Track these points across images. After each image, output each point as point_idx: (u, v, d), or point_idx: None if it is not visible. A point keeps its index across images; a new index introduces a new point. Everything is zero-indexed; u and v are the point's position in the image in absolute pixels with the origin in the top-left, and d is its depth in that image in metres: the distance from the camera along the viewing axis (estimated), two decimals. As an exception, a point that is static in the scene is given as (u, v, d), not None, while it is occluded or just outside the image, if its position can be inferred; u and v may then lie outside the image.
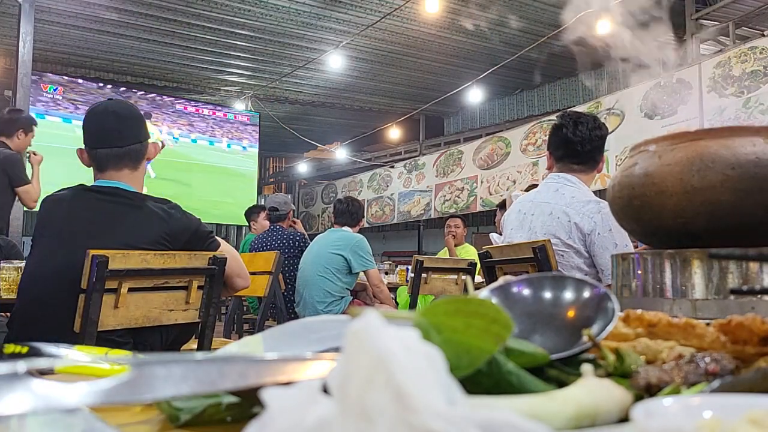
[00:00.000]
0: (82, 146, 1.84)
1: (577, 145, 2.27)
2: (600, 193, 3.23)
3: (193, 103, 9.42)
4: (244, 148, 9.88)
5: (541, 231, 2.21)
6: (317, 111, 10.48)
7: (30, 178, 3.99)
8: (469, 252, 5.63)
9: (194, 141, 9.39)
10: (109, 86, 8.51)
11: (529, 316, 0.57)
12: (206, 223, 2.00)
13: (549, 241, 2.09)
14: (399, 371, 0.29)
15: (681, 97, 5.92)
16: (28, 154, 4.05)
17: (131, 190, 1.81)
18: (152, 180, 8.07)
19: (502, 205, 4.77)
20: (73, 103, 8.15)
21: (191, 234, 1.83)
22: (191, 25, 7.30)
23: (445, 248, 6.15)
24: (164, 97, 9.09)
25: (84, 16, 6.98)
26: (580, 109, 5.61)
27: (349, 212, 4.40)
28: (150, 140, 1.92)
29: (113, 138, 1.81)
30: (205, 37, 7.62)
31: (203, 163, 9.46)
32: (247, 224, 6.98)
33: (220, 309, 3.94)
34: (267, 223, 5.16)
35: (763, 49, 5.37)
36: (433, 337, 0.40)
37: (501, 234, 2.84)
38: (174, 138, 9.05)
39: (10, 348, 0.58)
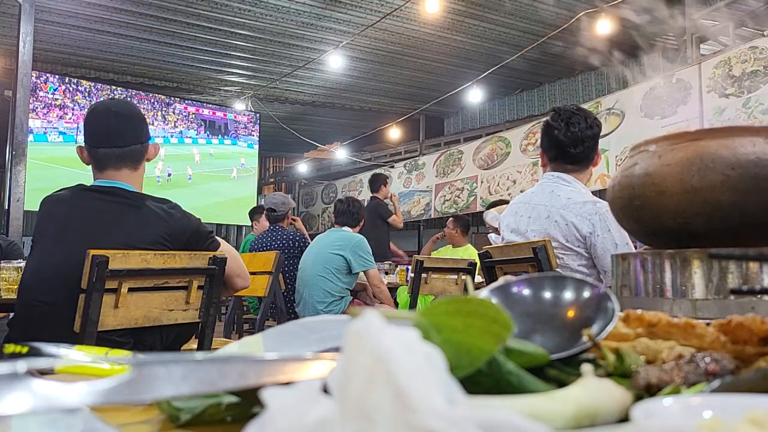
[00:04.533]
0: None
1: (569, 148, 2.19)
2: (600, 193, 3.22)
3: (193, 103, 9.42)
4: (243, 147, 9.88)
5: (539, 236, 2.17)
6: (317, 111, 10.46)
7: (393, 212, 6.73)
8: (470, 252, 5.64)
9: (195, 141, 9.39)
10: (109, 86, 8.50)
11: (529, 316, 0.57)
12: (206, 223, 2.00)
13: (549, 241, 2.08)
14: (399, 371, 0.29)
15: (681, 97, 5.91)
16: (390, 196, 6.94)
17: (131, 189, 1.81)
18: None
19: (492, 206, 4.83)
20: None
21: (191, 234, 1.83)
22: (191, 25, 7.29)
23: (446, 247, 6.18)
24: (164, 97, 9.09)
25: (84, 16, 6.97)
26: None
27: (349, 212, 4.40)
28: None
29: (114, 138, 1.81)
30: (205, 37, 7.61)
31: (203, 162, 9.46)
32: (250, 224, 7.05)
33: (220, 309, 3.95)
34: (267, 223, 5.18)
35: (763, 49, 5.36)
36: (433, 337, 0.40)
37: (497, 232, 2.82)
38: (165, 140, 9.04)
39: (10, 348, 0.58)
